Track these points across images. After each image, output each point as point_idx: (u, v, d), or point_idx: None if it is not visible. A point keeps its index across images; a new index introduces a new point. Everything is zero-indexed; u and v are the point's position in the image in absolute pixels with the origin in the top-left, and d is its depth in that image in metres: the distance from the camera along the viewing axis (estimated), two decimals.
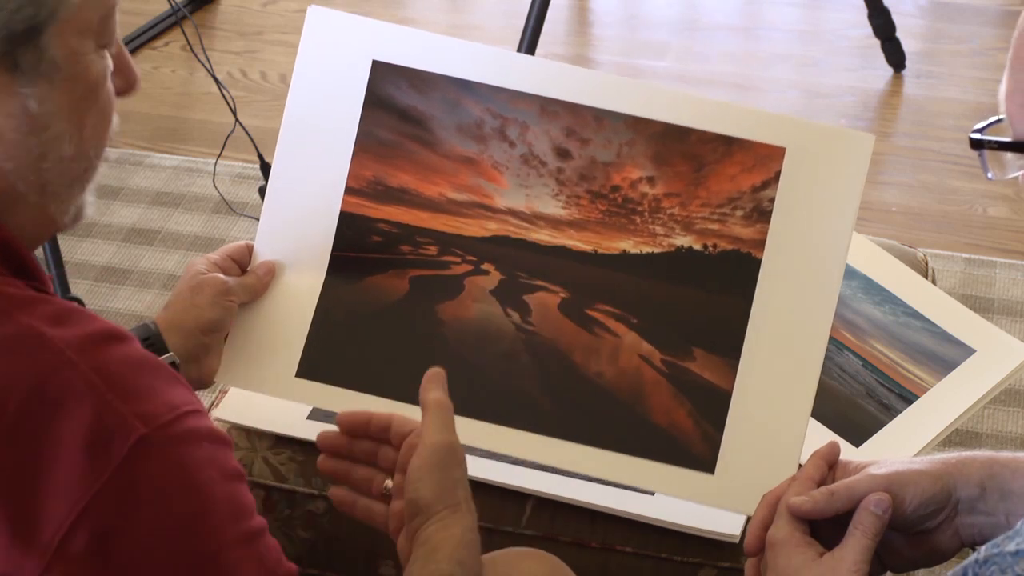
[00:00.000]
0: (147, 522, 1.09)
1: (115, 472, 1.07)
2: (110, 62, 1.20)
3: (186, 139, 3.24)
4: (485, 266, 1.58)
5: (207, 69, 2.86)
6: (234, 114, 2.87)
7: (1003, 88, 1.17)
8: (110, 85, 1.20)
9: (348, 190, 1.60)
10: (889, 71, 3.43)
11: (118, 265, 2.93)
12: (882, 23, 3.36)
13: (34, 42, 1.12)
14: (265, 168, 2.92)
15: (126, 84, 1.23)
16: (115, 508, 1.07)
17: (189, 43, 2.96)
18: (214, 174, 3.02)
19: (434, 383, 1.36)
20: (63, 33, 1.14)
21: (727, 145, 1.54)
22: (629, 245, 1.55)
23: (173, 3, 2.98)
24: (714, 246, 1.54)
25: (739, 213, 1.53)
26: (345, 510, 1.42)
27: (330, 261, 1.59)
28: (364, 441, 1.42)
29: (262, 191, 2.91)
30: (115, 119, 1.24)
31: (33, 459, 1.07)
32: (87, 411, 1.08)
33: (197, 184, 3.11)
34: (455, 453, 1.33)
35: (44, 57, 1.13)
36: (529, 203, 1.57)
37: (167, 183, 3.12)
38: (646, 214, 1.55)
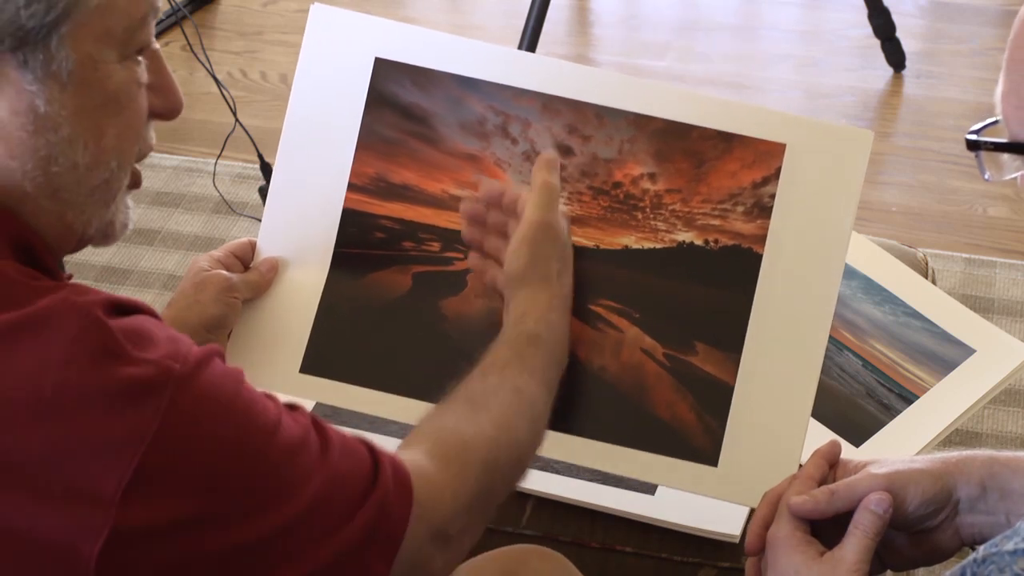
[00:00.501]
0: (202, 447, 1.11)
1: (166, 413, 1.09)
2: (142, 75, 1.19)
3: (186, 139, 3.25)
4: None
5: (207, 69, 2.86)
6: (234, 114, 2.87)
7: (999, 89, 1.17)
8: (142, 99, 1.20)
9: (351, 187, 1.60)
10: (889, 71, 3.44)
11: (118, 265, 2.94)
12: (882, 23, 3.37)
13: (44, 42, 1.12)
14: (265, 168, 2.92)
15: (165, 106, 1.23)
16: (172, 445, 1.09)
17: (189, 43, 2.96)
18: (214, 174, 3.02)
19: (545, 166, 1.52)
20: (78, 37, 1.13)
21: (727, 142, 1.54)
22: (631, 241, 1.55)
23: (173, 3, 2.98)
24: (715, 241, 1.54)
25: (740, 209, 1.54)
26: (477, 275, 1.56)
27: (333, 257, 1.60)
28: (497, 212, 1.54)
29: (262, 191, 2.92)
30: (151, 135, 1.24)
31: (79, 422, 1.08)
32: (124, 365, 1.09)
33: (197, 184, 3.12)
34: (551, 231, 1.49)
35: (55, 58, 1.13)
36: None
37: (167, 183, 3.13)
38: (648, 210, 1.55)
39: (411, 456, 1.25)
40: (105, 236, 1.24)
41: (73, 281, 1.17)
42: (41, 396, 1.09)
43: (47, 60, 1.12)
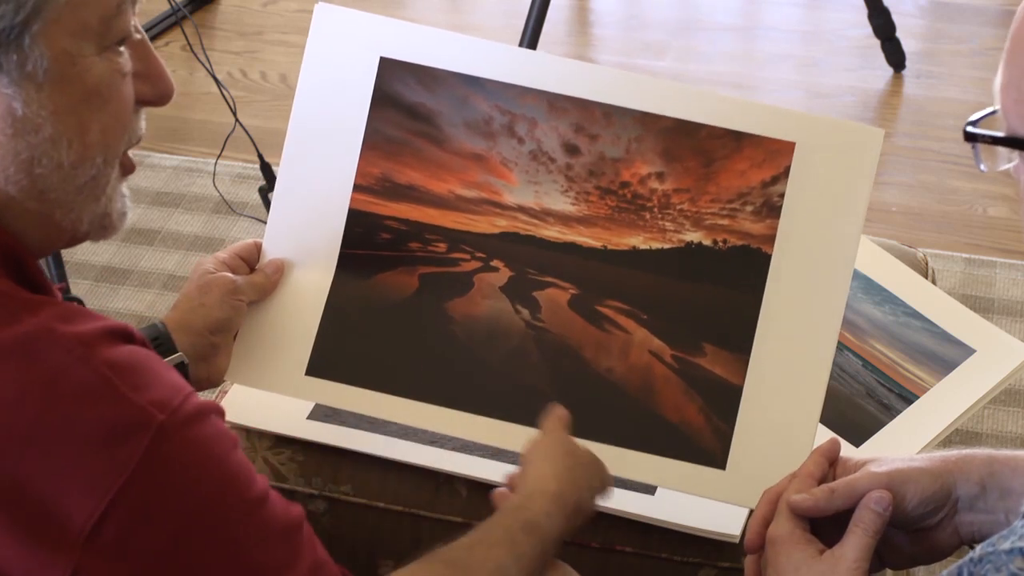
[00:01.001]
0: (174, 503, 1.10)
1: (141, 461, 1.08)
2: (125, 65, 1.17)
3: (186, 139, 3.24)
4: (495, 263, 1.58)
5: (207, 69, 2.85)
6: (234, 114, 2.86)
7: (998, 81, 1.16)
8: (128, 89, 1.18)
9: (356, 187, 1.60)
10: (889, 71, 3.43)
11: (118, 265, 2.93)
12: (882, 23, 3.37)
13: (15, 42, 1.10)
14: (265, 168, 2.91)
15: (154, 93, 1.21)
16: (143, 495, 1.08)
17: (189, 43, 2.95)
18: (214, 174, 3.02)
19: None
20: (51, 34, 1.11)
21: (736, 140, 1.54)
22: (639, 241, 1.55)
23: (173, 3, 2.97)
24: (724, 241, 1.54)
25: (749, 208, 1.53)
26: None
27: (339, 259, 1.59)
28: None
29: (262, 191, 2.91)
30: (140, 124, 1.22)
31: (54, 457, 1.07)
32: (105, 405, 1.08)
33: (197, 184, 3.11)
34: (568, 443, 1.46)
35: (28, 58, 1.10)
36: (538, 199, 1.57)
37: (167, 183, 3.12)
38: (655, 210, 1.55)
39: None
40: (103, 228, 1.22)
41: (68, 299, 1.16)
42: (17, 425, 1.08)
43: (21, 61, 1.10)
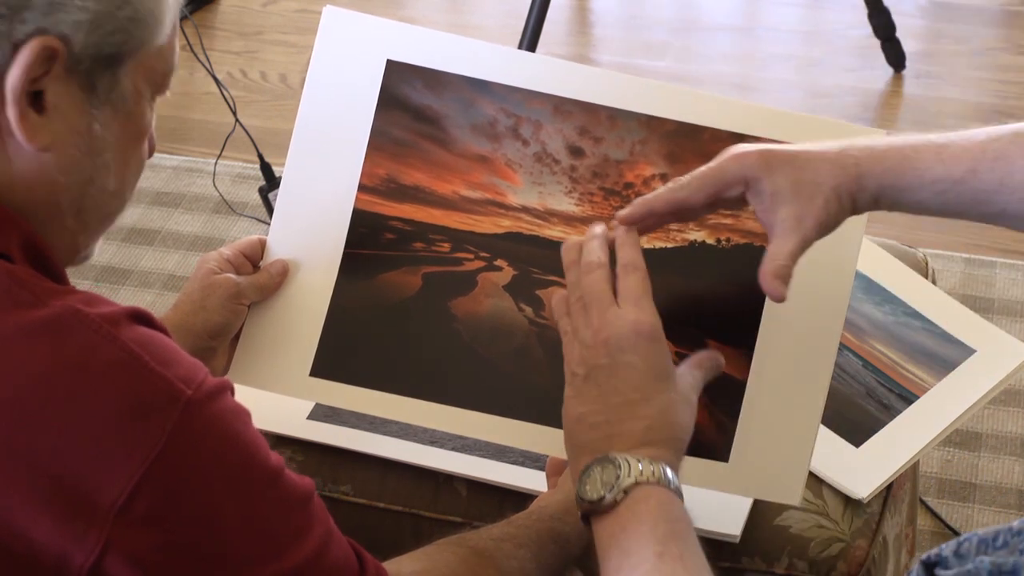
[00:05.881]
0: (203, 475, 1.13)
1: (171, 434, 1.10)
2: (154, 118, 1.24)
3: (186, 139, 3.25)
4: (498, 262, 1.58)
5: (207, 69, 2.85)
6: (234, 114, 2.86)
7: None
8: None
9: (361, 188, 1.60)
10: (889, 71, 3.44)
11: (118, 265, 2.93)
12: (882, 23, 3.37)
13: (113, 69, 1.16)
14: (265, 168, 2.91)
15: (150, 147, 1.27)
16: (173, 468, 1.10)
17: (189, 43, 2.95)
18: (214, 174, 3.02)
19: None
20: (137, 71, 1.18)
21: (739, 143, 1.54)
22: (643, 240, 1.55)
23: None
24: (727, 240, 1.55)
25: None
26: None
27: (343, 259, 1.60)
28: None
29: (262, 191, 2.91)
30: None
31: (86, 432, 1.09)
32: (134, 380, 1.10)
33: (197, 184, 3.12)
34: None
35: (116, 86, 1.17)
36: (542, 200, 1.58)
37: (167, 183, 3.12)
38: None
39: (397, 570, 1.29)
40: (83, 260, 1.27)
41: (85, 290, 1.18)
42: (48, 403, 1.10)
43: (110, 86, 1.17)
